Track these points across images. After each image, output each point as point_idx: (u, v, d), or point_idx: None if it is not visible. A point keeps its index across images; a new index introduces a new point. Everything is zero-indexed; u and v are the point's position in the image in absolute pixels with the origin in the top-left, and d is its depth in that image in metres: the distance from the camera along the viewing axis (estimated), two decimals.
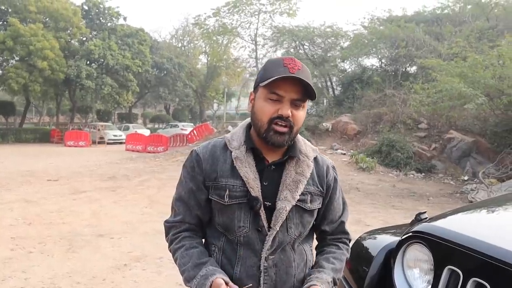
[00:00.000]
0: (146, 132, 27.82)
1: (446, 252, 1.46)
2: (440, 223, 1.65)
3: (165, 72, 37.37)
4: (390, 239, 1.93)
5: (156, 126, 41.94)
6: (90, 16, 32.34)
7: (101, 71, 30.42)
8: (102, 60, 30.31)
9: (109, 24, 33.10)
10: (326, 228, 1.44)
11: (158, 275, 4.28)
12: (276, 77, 1.23)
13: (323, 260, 1.39)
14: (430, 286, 1.51)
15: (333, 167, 1.45)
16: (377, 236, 2.12)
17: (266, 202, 1.30)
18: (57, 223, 6.27)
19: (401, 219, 6.45)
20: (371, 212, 7.49)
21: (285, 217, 1.30)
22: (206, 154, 1.37)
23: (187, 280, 1.30)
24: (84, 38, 31.80)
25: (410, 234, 1.66)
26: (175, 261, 1.37)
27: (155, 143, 21.56)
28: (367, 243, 2.10)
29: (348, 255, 1.46)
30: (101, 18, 32.80)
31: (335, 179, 1.43)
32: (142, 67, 32.14)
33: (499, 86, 10.46)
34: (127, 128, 31.04)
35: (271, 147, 1.32)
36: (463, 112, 13.41)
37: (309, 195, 1.35)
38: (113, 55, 30.09)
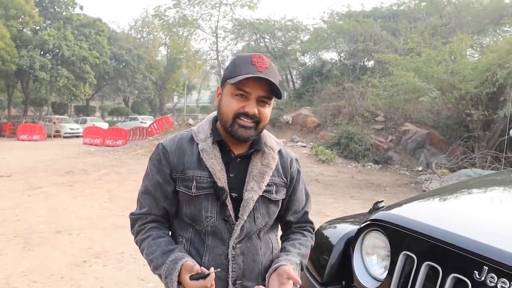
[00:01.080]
0: (104, 125, 27.10)
1: (401, 238, 1.54)
2: (396, 211, 1.73)
3: (124, 64, 36.43)
4: (349, 228, 2.00)
5: (115, 119, 40.89)
6: (44, 4, 30.97)
7: (56, 62, 29.27)
8: (57, 50, 29.16)
9: (64, 13, 31.76)
10: (290, 219, 1.49)
11: (119, 271, 4.22)
12: (244, 77, 1.25)
13: (290, 246, 1.44)
14: (386, 271, 1.58)
15: (296, 160, 1.50)
16: (336, 225, 2.19)
17: (232, 193, 1.33)
18: (11, 221, 6.02)
19: (359, 209, 6.65)
20: (331, 202, 7.67)
21: (252, 207, 1.33)
22: (173, 146, 1.38)
23: (155, 268, 1.32)
24: (38, 27, 30.43)
25: (368, 222, 1.73)
26: (142, 251, 1.38)
27: (114, 136, 21.05)
28: (327, 232, 2.17)
29: (312, 242, 1.52)
30: (55, 7, 31.46)
31: (298, 171, 1.49)
32: (99, 59, 31.17)
33: (451, 81, 10.93)
34: (85, 121, 30.09)
35: (236, 140, 1.34)
36: (417, 106, 13.92)
37: (274, 186, 1.39)
38: (69, 45, 28.98)
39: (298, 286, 1.35)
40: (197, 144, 1.37)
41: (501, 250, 1.21)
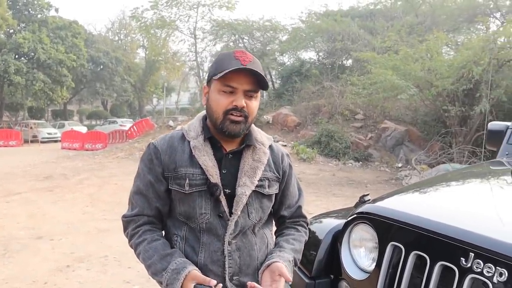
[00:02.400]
0: (83, 129, 26.60)
1: (388, 230, 1.57)
2: (382, 203, 1.76)
3: (101, 66, 35.95)
4: (336, 222, 2.02)
5: (94, 122, 40.32)
6: (18, 7, 30.27)
7: (32, 66, 28.59)
8: (33, 54, 28.50)
9: (39, 15, 31.09)
10: (284, 213, 1.50)
11: (103, 274, 4.16)
12: (228, 70, 1.26)
13: (283, 241, 1.45)
14: (375, 262, 1.61)
15: (287, 155, 1.52)
16: (323, 220, 2.21)
17: (225, 190, 1.34)
18: None
19: (341, 206, 6.65)
20: (314, 200, 7.73)
21: (245, 202, 1.34)
22: (164, 145, 1.38)
23: (154, 274, 1.31)
24: (12, 30, 29.73)
25: (355, 215, 1.76)
26: (138, 255, 1.37)
27: (93, 140, 20.72)
28: (314, 227, 2.18)
29: (306, 238, 1.53)
30: (30, 9, 30.80)
31: (290, 166, 1.50)
32: (77, 62, 30.62)
33: (428, 78, 11.14)
34: (62, 126, 29.44)
35: (227, 137, 1.35)
36: (396, 103, 14.14)
37: (267, 181, 1.40)
38: (44, 48, 28.38)
39: (290, 283, 1.36)
40: (189, 142, 1.37)
41: (487, 236, 1.25)
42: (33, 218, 6.48)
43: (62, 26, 31.05)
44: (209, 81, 1.37)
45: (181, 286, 1.24)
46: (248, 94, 1.32)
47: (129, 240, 1.40)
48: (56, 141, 25.19)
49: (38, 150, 20.57)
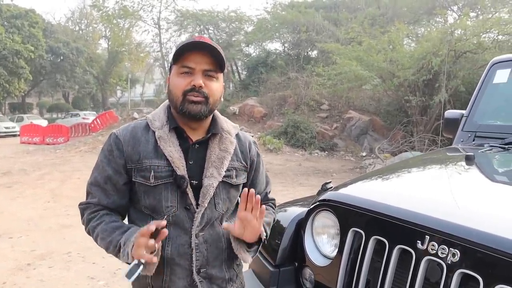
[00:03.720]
0: (43, 123, 25.70)
1: (349, 216, 1.60)
2: (343, 190, 1.79)
3: (61, 57, 34.73)
4: (299, 210, 2.04)
5: (55, 115, 38.98)
6: None
7: None
8: None
9: None
10: None
11: (67, 271, 4.06)
12: (182, 45, 1.26)
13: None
14: (337, 249, 1.64)
15: (255, 143, 1.50)
16: (287, 208, 2.23)
17: (192, 181, 1.31)
18: None
19: (308, 195, 6.80)
20: (281, 190, 7.80)
21: (212, 194, 1.32)
22: (126, 136, 1.34)
23: (115, 246, 1.26)
24: None
25: (318, 202, 1.78)
26: (96, 238, 1.32)
27: (55, 134, 20.05)
28: (278, 216, 2.19)
29: (275, 216, 1.54)
30: None
31: (258, 154, 1.49)
32: (35, 52, 29.47)
33: (390, 69, 11.42)
34: (21, 119, 28.31)
35: (191, 122, 1.33)
36: (360, 93, 14.44)
37: (234, 171, 1.38)
38: None
39: (264, 236, 1.35)
40: (153, 132, 1.33)
41: (440, 219, 1.29)
42: None
43: (17, 15, 29.75)
44: (170, 69, 1.35)
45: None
46: (207, 74, 1.29)
47: (86, 225, 1.35)
48: (14, 136, 24.24)
49: None
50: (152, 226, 1.14)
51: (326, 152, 13.01)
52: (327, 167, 10.82)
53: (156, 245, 1.16)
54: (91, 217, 1.34)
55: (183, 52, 1.28)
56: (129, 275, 1.16)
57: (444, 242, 1.24)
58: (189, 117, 1.31)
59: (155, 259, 1.16)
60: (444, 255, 1.23)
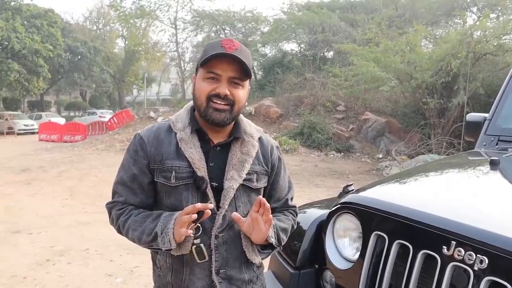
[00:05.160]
0: (61, 121, 26.12)
1: (372, 219, 1.59)
2: (365, 193, 1.78)
3: (79, 56, 35.18)
4: (320, 212, 2.03)
5: (72, 114, 39.49)
6: None
7: (6, 56, 27.79)
8: (7, 43, 27.68)
9: (12, 3, 30.14)
10: (273, 206, 1.48)
11: (85, 268, 4.12)
12: (210, 55, 1.26)
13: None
14: (358, 252, 1.63)
15: (277, 147, 1.50)
16: (307, 210, 2.22)
17: (213, 183, 1.32)
18: None
19: (324, 196, 6.77)
20: (297, 191, 7.64)
21: (233, 196, 1.32)
22: (150, 137, 1.36)
23: (148, 234, 1.28)
24: None
25: (339, 205, 1.77)
26: (127, 231, 1.32)
27: (72, 131, 20.36)
28: (298, 218, 2.19)
29: (294, 224, 1.51)
30: None
31: (280, 159, 1.49)
32: (53, 51, 29.87)
33: (408, 70, 11.30)
34: (40, 117, 28.77)
35: (214, 127, 1.33)
36: (376, 95, 14.32)
37: (255, 174, 1.38)
38: (19, 38, 27.57)
39: (273, 239, 1.35)
40: (175, 134, 1.34)
41: (467, 225, 1.27)
42: (10, 211, 6.35)
43: (37, 15, 30.22)
44: (196, 70, 1.36)
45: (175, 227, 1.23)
46: (234, 81, 1.29)
47: (116, 222, 1.36)
48: (33, 133, 24.63)
49: (15, 142, 20.11)
50: (198, 204, 1.18)
51: (342, 153, 12.94)
52: (343, 168, 10.75)
53: (199, 225, 1.23)
54: (120, 212, 1.35)
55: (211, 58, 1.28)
56: None
57: (471, 248, 1.22)
58: (212, 124, 1.32)
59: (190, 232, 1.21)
60: (471, 262, 1.21)
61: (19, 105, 38.53)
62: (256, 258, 1.38)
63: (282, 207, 1.52)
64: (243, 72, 1.30)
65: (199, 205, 1.18)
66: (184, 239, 1.25)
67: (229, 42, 1.29)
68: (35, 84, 30.33)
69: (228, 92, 1.28)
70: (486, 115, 2.73)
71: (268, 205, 1.25)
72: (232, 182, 1.32)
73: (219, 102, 1.28)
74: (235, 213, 1.29)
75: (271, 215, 1.28)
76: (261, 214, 1.26)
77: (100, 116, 27.78)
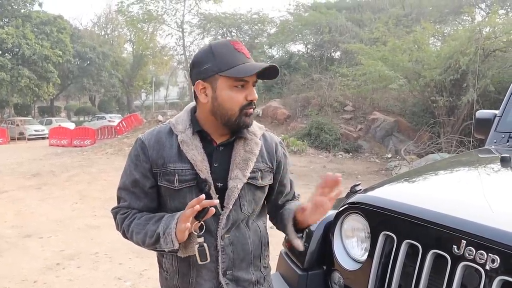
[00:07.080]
0: (71, 126, 26.34)
1: (380, 219, 1.57)
2: (373, 193, 1.75)
3: (88, 62, 35.50)
4: (327, 213, 2.01)
5: (82, 118, 39.83)
6: (0, 1, 29.73)
7: (17, 62, 28.16)
8: (17, 49, 28.08)
9: (22, 10, 30.56)
10: (281, 201, 1.50)
11: (95, 271, 4.13)
12: (249, 73, 1.25)
13: (287, 204, 1.47)
14: (367, 252, 1.60)
15: (281, 143, 1.48)
16: None
17: (218, 183, 1.31)
18: None
19: None
20: (305, 192, 7.68)
21: (237, 195, 1.31)
22: (151, 140, 1.34)
23: (150, 236, 1.26)
24: None
25: (347, 205, 1.75)
26: (131, 234, 1.31)
27: (82, 136, 20.53)
28: None
29: None
30: (12, 4, 30.19)
31: (285, 155, 1.47)
32: (63, 57, 30.20)
33: (416, 69, 11.21)
34: (50, 122, 29.07)
35: (225, 129, 1.33)
36: (384, 94, 14.23)
37: (259, 172, 1.37)
38: (29, 44, 27.93)
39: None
40: (176, 136, 1.33)
41: (478, 223, 1.25)
42: (20, 216, 6.41)
43: (46, 21, 30.58)
44: (209, 76, 1.27)
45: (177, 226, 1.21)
46: (254, 85, 1.31)
47: (120, 226, 1.35)
48: (43, 138, 24.90)
49: (25, 148, 20.34)
50: (203, 196, 1.16)
51: (351, 153, 12.86)
52: (352, 169, 10.69)
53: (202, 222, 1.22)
54: (124, 216, 1.35)
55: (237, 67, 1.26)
56: None
57: (483, 248, 1.19)
58: (240, 128, 1.32)
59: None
60: (483, 261, 1.18)
61: (29, 111, 38.99)
62: (301, 245, 1.37)
63: (291, 200, 1.53)
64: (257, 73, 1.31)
65: (203, 197, 1.15)
66: (188, 239, 1.24)
67: (240, 46, 1.29)
68: (45, 89, 30.68)
69: (257, 97, 1.30)
70: (496, 111, 2.69)
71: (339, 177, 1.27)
72: (237, 181, 1.31)
73: (250, 108, 1.29)
74: (298, 203, 1.36)
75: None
76: (330, 191, 1.27)
77: (109, 121, 28.00)
